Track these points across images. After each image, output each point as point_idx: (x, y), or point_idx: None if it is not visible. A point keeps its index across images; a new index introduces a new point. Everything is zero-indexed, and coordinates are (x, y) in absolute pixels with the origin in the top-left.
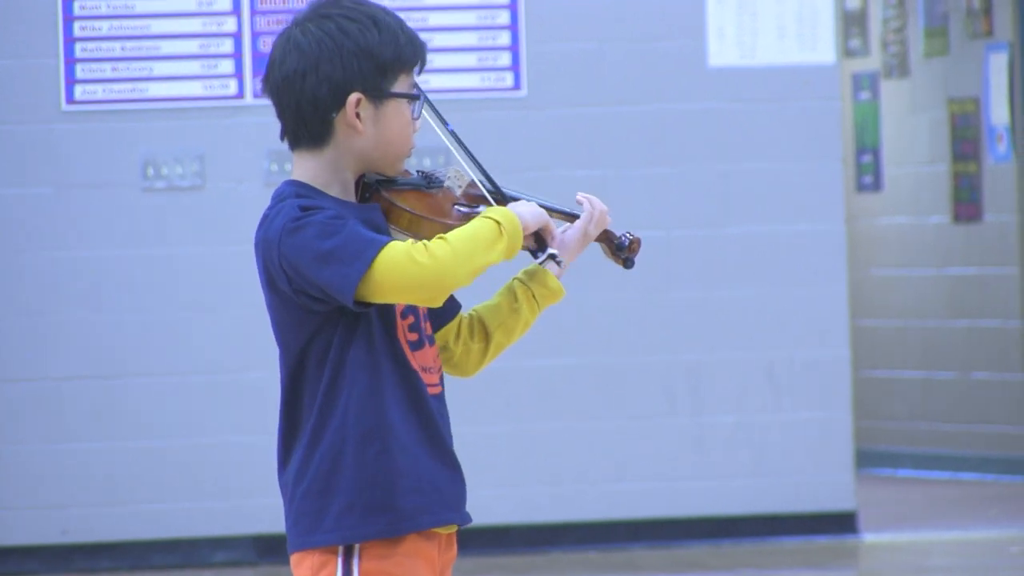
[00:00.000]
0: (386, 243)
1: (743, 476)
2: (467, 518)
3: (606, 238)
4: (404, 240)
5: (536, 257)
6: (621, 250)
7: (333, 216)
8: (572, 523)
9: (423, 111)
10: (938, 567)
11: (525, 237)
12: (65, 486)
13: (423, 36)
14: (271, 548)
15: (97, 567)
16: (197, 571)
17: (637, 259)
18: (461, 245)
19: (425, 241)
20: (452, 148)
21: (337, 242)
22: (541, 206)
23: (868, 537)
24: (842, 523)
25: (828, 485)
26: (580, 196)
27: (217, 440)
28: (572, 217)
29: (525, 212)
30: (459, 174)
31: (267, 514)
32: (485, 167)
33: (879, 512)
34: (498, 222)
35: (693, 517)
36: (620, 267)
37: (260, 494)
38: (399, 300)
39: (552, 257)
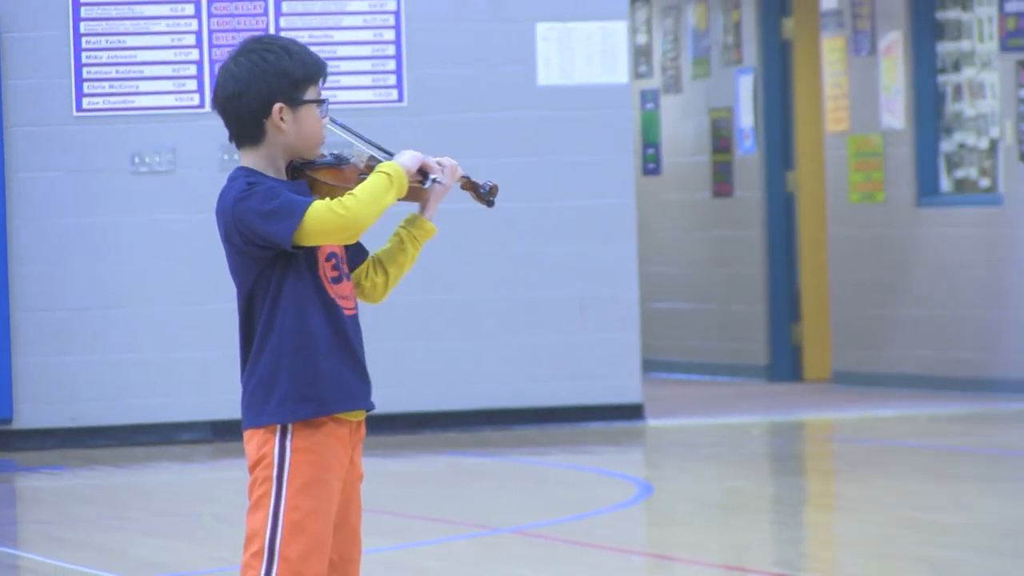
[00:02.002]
0: (312, 202)
1: (562, 379)
2: (371, 406)
3: (471, 187)
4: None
5: (424, 185)
6: (485, 193)
7: (271, 187)
8: (441, 412)
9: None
10: (701, 443)
11: (412, 175)
12: (73, 386)
13: (332, 62)
14: (223, 430)
15: (95, 444)
16: (169, 447)
17: (497, 202)
18: (365, 196)
19: (339, 197)
20: (344, 133)
21: (275, 205)
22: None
23: (651, 423)
24: (632, 412)
25: (622, 385)
26: (436, 160)
27: (184, 353)
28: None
29: (406, 159)
30: (360, 154)
31: (220, 406)
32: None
33: (659, 405)
34: (388, 174)
35: (527, 407)
36: (485, 207)
37: (215, 391)
38: (326, 242)
39: (435, 181)
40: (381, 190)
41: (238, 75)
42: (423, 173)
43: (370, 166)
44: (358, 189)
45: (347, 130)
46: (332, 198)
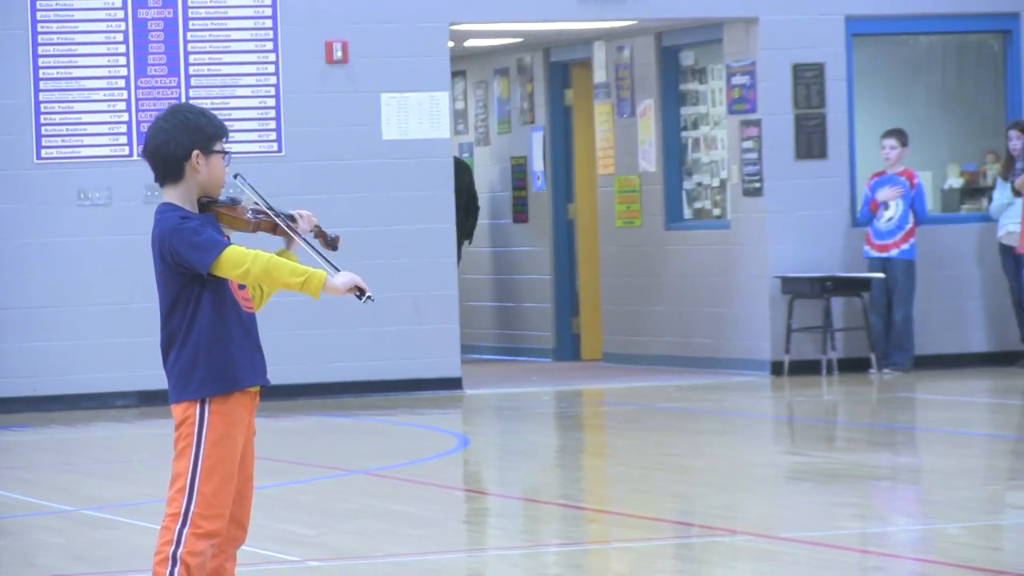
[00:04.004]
0: (228, 245)
1: (401, 359)
2: (268, 382)
3: (322, 235)
4: (227, 231)
5: (361, 301)
6: (331, 240)
7: (198, 224)
8: (310, 383)
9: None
10: (505, 407)
11: (337, 292)
12: (34, 365)
13: (228, 122)
14: (148, 398)
15: (51, 408)
16: (106, 411)
17: (340, 247)
18: (276, 267)
19: (258, 252)
20: (247, 189)
21: (201, 240)
22: (278, 212)
23: (468, 392)
24: (453, 384)
25: (446, 363)
26: (298, 211)
27: (117, 339)
28: (292, 217)
29: (339, 282)
30: (248, 199)
31: (145, 379)
32: (262, 193)
33: (473, 379)
34: (305, 281)
35: (375, 380)
36: (330, 251)
37: (141, 368)
38: (229, 277)
39: (369, 298)
40: (285, 277)
41: (166, 129)
42: (360, 290)
43: (254, 209)
44: (275, 259)
45: (251, 187)
46: (227, 225)
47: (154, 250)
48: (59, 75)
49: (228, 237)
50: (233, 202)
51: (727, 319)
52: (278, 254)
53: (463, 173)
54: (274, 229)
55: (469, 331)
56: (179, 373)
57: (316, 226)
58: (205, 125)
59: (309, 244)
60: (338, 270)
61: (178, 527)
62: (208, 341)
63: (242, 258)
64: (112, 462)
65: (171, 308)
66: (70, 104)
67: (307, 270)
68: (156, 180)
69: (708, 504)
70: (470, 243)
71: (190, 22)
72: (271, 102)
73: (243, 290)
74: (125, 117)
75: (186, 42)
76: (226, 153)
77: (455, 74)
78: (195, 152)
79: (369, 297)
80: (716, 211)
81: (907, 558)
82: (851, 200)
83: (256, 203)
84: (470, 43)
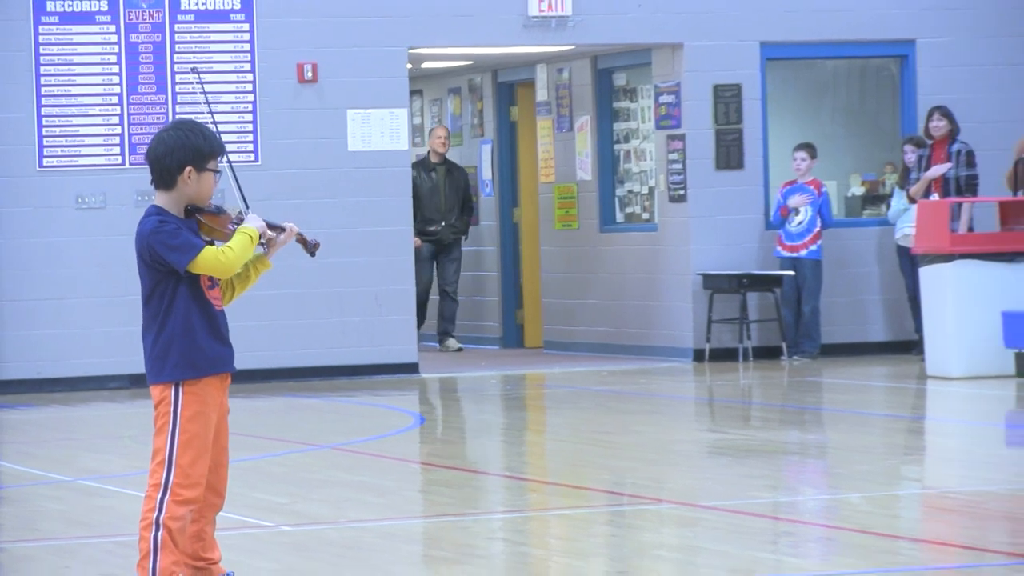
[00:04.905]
0: (204, 247)
1: (364, 346)
2: (234, 369)
3: (303, 241)
4: (206, 239)
5: (310, 253)
6: (311, 246)
7: (176, 227)
8: (283, 367)
9: (235, 176)
10: (457, 389)
11: (264, 232)
12: (38, 351)
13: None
14: (138, 380)
15: (53, 390)
16: (101, 391)
17: (318, 252)
18: (238, 249)
19: (223, 247)
20: (236, 190)
21: (178, 242)
22: (265, 221)
23: (424, 375)
24: (411, 368)
25: (404, 350)
26: (286, 224)
27: (111, 328)
28: (279, 227)
29: (256, 223)
30: (233, 208)
31: (135, 364)
32: (248, 200)
33: (429, 364)
34: (249, 235)
35: (341, 365)
36: (308, 256)
37: (131, 354)
38: (207, 274)
39: (263, 246)
40: (247, 247)
41: (167, 142)
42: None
43: (238, 219)
44: (233, 245)
45: (232, 171)
46: (207, 234)
47: (136, 249)
48: (59, 92)
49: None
50: (219, 211)
51: (654, 311)
52: (254, 259)
53: (460, 176)
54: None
55: (425, 322)
56: (155, 358)
57: (299, 234)
58: (202, 145)
59: (235, 180)
60: (247, 206)
61: (160, 496)
62: (180, 331)
63: (215, 256)
64: (106, 437)
65: (148, 299)
66: (69, 118)
67: (244, 236)
68: (152, 183)
69: (637, 476)
70: (466, 238)
71: (176, 46)
72: (249, 117)
73: (213, 289)
74: (118, 130)
75: (173, 63)
76: (217, 172)
77: (413, 92)
78: (188, 168)
79: (316, 245)
80: (645, 215)
81: (814, 524)
82: (765, 206)
83: (241, 212)
84: (427, 65)
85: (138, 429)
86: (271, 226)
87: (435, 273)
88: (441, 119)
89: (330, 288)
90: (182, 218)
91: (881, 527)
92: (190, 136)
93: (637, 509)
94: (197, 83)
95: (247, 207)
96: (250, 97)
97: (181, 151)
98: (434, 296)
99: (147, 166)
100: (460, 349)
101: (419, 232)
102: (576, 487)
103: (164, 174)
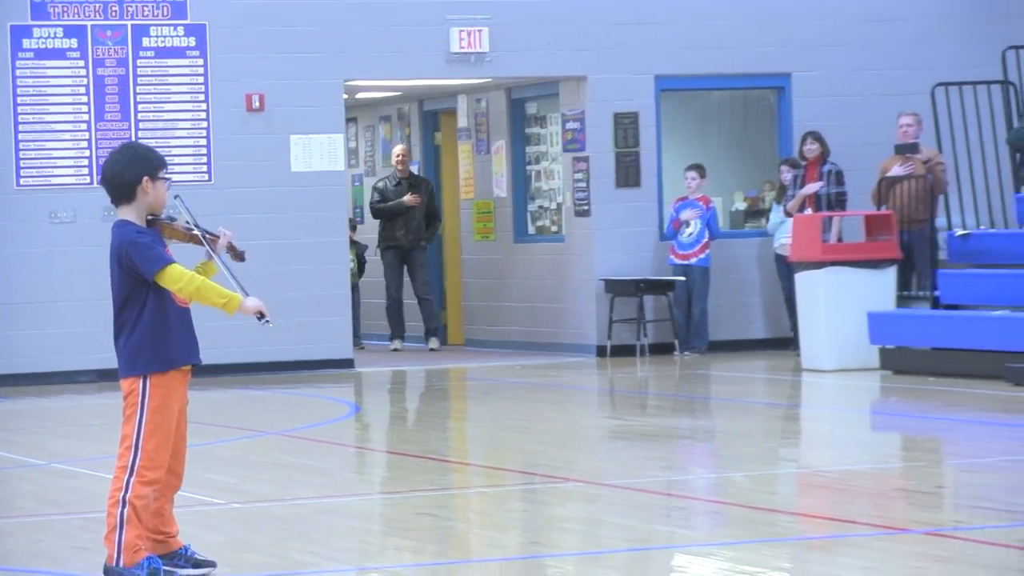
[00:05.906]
0: (171, 262)
1: (305, 343)
2: (200, 361)
3: (232, 249)
4: (169, 240)
5: (260, 322)
6: (240, 253)
7: (150, 240)
8: (233, 363)
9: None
10: (388, 382)
11: (247, 312)
12: (13, 348)
13: (169, 156)
14: (105, 375)
15: (28, 383)
16: (71, 384)
17: (249, 258)
18: (205, 289)
19: (195, 273)
20: (183, 209)
21: (152, 255)
22: (204, 229)
23: (359, 370)
24: (347, 363)
25: (341, 347)
26: (220, 229)
27: (80, 329)
28: (215, 236)
29: (249, 304)
30: (182, 217)
31: (103, 360)
32: (194, 213)
33: (363, 360)
34: (226, 303)
35: (284, 360)
36: (237, 262)
37: (100, 351)
38: (167, 287)
39: (267, 322)
40: (215, 298)
41: (121, 160)
42: (262, 314)
43: (188, 223)
44: (208, 283)
45: (186, 208)
46: (170, 236)
47: (112, 257)
48: (34, 119)
49: (168, 249)
50: (171, 220)
51: (562, 313)
52: (200, 264)
53: (426, 188)
54: (199, 242)
55: (369, 323)
56: (128, 355)
57: (230, 242)
58: (152, 157)
59: (227, 268)
60: (248, 295)
61: (126, 476)
62: (151, 330)
63: (180, 276)
64: (76, 425)
65: (123, 304)
66: (43, 142)
67: (228, 293)
68: (112, 202)
69: (547, 458)
70: (428, 243)
71: (139, 79)
72: (203, 141)
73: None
74: (87, 153)
75: (135, 94)
76: (167, 179)
77: (349, 120)
78: (145, 178)
79: (268, 321)
80: (554, 228)
81: (703, 500)
82: (659, 219)
83: (188, 222)
84: (360, 95)
85: (105, 418)
86: (209, 233)
87: (405, 279)
88: (374, 143)
89: (276, 293)
90: (146, 228)
91: (761, 502)
92: (139, 151)
93: (548, 487)
94: (183, 206)
95: (201, 230)
96: (204, 124)
97: (136, 164)
98: (411, 301)
99: (104, 188)
100: (434, 349)
101: (386, 241)
102: (494, 468)
103: (124, 188)
